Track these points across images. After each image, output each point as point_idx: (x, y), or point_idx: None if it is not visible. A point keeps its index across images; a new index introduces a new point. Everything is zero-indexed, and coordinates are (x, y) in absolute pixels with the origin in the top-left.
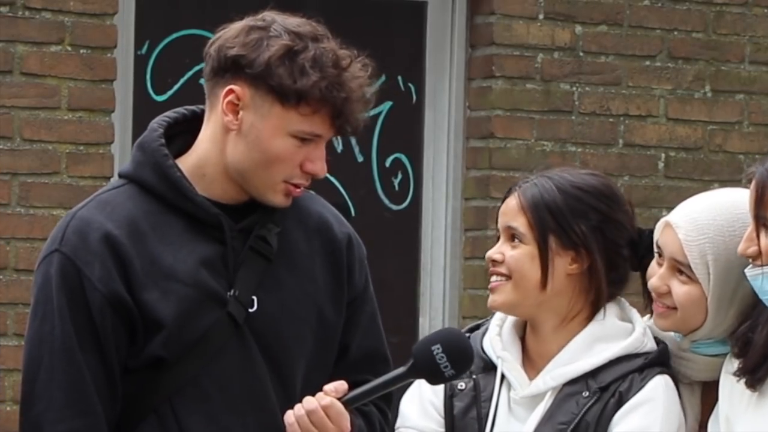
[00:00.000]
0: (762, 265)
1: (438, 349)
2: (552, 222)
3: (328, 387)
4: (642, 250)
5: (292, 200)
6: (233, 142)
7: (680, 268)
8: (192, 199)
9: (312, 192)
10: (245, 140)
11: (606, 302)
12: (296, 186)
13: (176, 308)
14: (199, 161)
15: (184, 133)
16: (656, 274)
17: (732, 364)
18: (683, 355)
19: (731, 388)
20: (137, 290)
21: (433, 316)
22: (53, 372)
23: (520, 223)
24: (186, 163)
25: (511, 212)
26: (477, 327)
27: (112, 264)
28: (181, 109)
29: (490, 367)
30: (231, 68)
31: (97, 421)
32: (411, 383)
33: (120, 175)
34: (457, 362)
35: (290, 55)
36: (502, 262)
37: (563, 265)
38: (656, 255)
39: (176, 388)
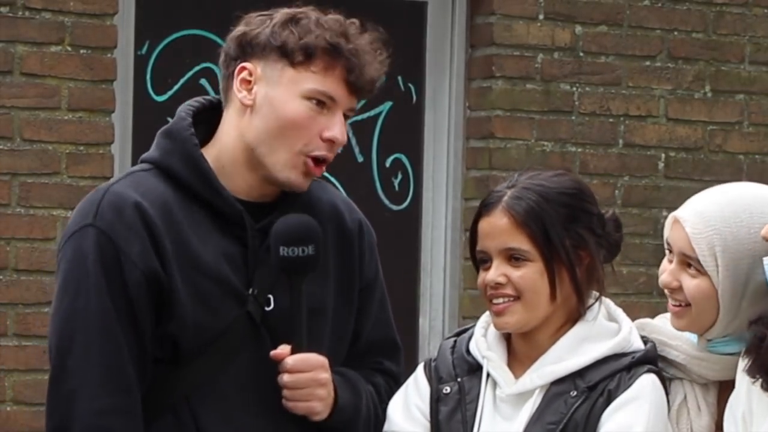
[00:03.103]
0: None
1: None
2: (552, 233)
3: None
4: (611, 232)
5: (309, 184)
6: (249, 119)
7: (689, 262)
8: (220, 192)
9: (322, 181)
10: (260, 113)
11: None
12: (317, 160)
13: (197, 300)
14: (220, 153)
15: (204, 123)
16: (666, 270)
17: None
18: (700, 355)
19: (749, 386)
20: (168, 270)
21: (433, 316)
22: (89, 348)
23: (521, 242)
24: (208, 154)
25: (505, 232)
26: (463, 331)
27: (148, 241)
28: (204, 98)
29: (475, 368)
30: (239, 50)
31: (134, 400)
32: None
33: (143, 161)
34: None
35: (293, 20)
36: (505, 284)
37: (566, 272)
38: (667, 252)
39: (194, 386)
